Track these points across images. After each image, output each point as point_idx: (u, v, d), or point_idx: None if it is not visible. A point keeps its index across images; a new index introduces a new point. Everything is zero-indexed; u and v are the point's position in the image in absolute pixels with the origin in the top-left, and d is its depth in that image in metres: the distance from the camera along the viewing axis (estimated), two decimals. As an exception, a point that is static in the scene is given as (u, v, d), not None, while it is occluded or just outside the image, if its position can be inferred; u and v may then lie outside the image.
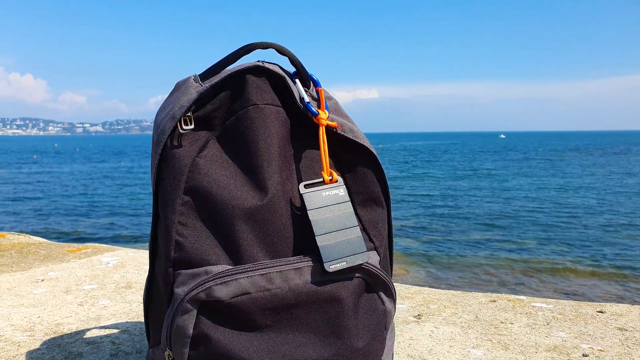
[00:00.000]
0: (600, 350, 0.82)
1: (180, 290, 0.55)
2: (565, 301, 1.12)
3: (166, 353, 0.55)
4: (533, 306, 1.07)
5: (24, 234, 1.93)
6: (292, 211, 0.60)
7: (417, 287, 1.29)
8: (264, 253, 0.58)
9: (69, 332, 0.88)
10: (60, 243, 1.79)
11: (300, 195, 0.60)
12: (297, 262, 0.58)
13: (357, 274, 0.60)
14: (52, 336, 0.85)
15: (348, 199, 0.62)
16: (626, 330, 0.92)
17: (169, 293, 0.57)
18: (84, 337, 0.85)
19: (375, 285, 0.63)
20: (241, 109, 0.59)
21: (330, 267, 0.58)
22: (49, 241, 1.82)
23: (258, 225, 0.58)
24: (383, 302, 0.64)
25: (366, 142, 0.66)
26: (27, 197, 13.14)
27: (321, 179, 0.62)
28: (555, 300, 1.14)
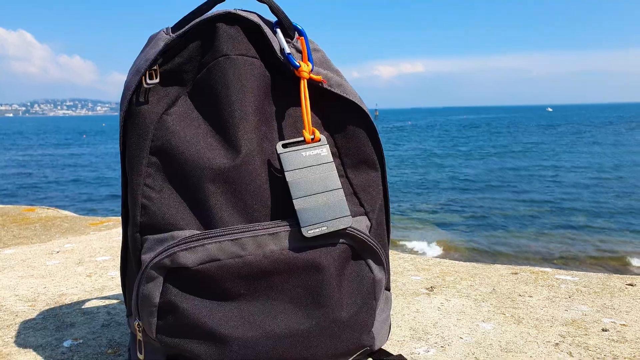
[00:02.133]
0: (623, 324, 0.75)
1: (146, 257, 0.52)
2: (593, 273, 1.04)
3: (136, 323, 0.53)
4: (557, 278, 0.99)
5: (53, 208, 1.97)
6: (270, 173, 0.56)
7: (436, 259, 1.23)
8: (238, 218, 0.54)
9: (70, 302, 0.87)
10: (85, 216, 1.81)
11: (278, 156, 0.55)
12: (273, 227, 0.53)
13: (341, 240, 0.56)
14: (52, 306, 0.85)
15: (331, 159, 0.57)
16: (658, 305, 0.84)
17: (138, 260, 0.54)
18: (83, 307, 0.84)
19: (363, 252, 0.58)
20: (212, 60, 0.55)
21: (309, 231, 0.53)
22: (74, 214, 1.85)
23: (230, 187, 0.53)
24: (371, 270, 0.59)
25: (357, 99, 0.61)
26: (75, 178, 13.66)
27: (302, 138, 0.57)
28: (582, 272, 1.06)
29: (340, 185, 0.56)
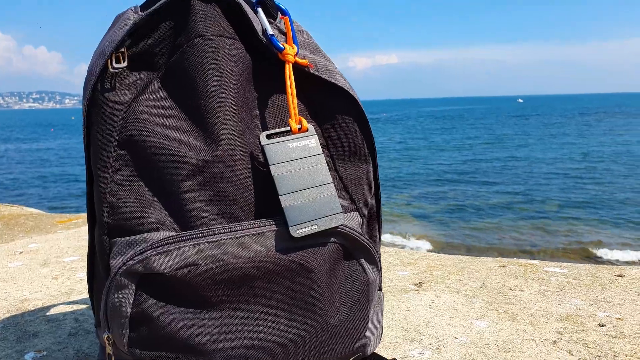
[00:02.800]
0: (619, 318, 0.73)
1: (115, 262, 0.47)
2: (581, 265, 1.02)
3: (105, 335, 0.47)
4: (546, 271, 0.97)
5: (17, 205, 1.88)
6: (253, 166, 0.51)
7: (422, 252, 1.20)
8: (218, 217, 0.48)
9: (33, 308, 0.81)
10: (52, 214, 1.72)
11: (262, 147, 0.50)
12: (257, 227, 0.48)
13: (332, 239, 0.51)
14: (13, 314, 0.78)
15: (320, 151, 0.52)
16: (650, 296, 0.82)
17: (106, 265, 0.48)
18: (47, 314, 0.78)
19: (355, 251, 0.54)
20: (186, 42, 0.49)
21: (297, 231, 0.48)
22: (40, 212, 1.76)
23: (208, 183, 0.48)
24: (364, 271, 0.54)
25: (346, 85, 0.56)
26: (44, 173, 13.27)
27: (288, 128, 0.52)
28: (570, 264, 1.04)
29: (331, 180, 0.51)
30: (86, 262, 0.54)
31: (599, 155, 13.25)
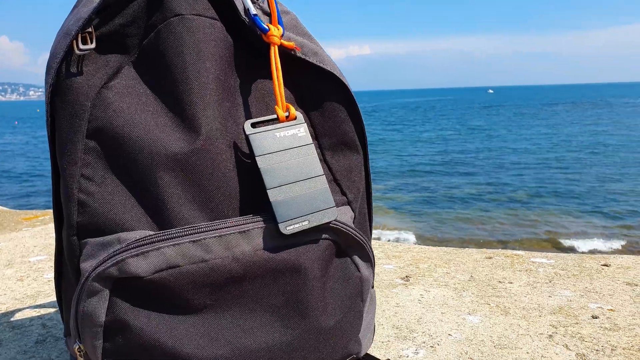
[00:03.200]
0: (611, 310, 0.72)
1: (86, 265, 0.42)
2: (567, 255, 1.01)
3: (76, 347, 0.43)
4: (533, 262, 0.95)
5: (-20, 203, 1.78)
6: (237, 158, 0.46)
7: (405, 244, 1.18)
8: (200, 214, 0.44)
9: (-3, 313, 0.75)
10: (17, 210, 1.64)
11: (246, 137, 0.46)
12: (244, 224, 0.44)
13: (324, 235, 0.47)
14: (-25, 319, 0.72)
15: (310, 140, 0.48)
16: (636, 286, 0.81)
17: (76, 269, 0.44)
18: (12, 319, 0.72)
19: (348, 248, 0.50)
20: (162, 21, 0.44)
21: (287, 228, 0.44)
22: (4, 208, 1.68)
23: (189, 176, 0.44)
24: (358, 268, 0.51)
25: (335, 70, 0.52)
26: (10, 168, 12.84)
27: (274, 116, 0.48)
28: (554, 254, 1.03)
29: (322, 172, 0.48)
30: (54, 264, 0.49)
31: (568, 145, 13.56)
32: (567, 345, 0.60)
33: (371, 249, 0.53)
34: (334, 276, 0.49)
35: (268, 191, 0.45)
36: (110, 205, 0.43)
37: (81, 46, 0.42)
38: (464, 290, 0.80)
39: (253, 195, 0.46)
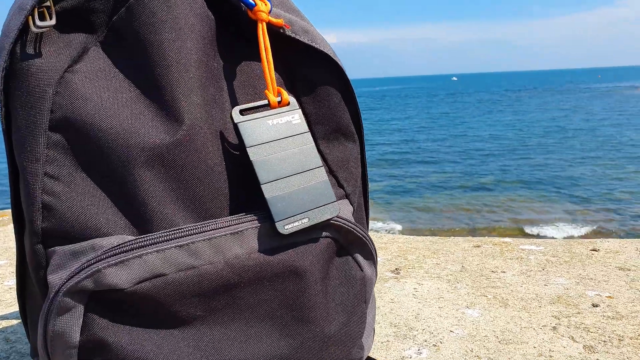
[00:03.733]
0: (609, 297, 0.70)
1: (55, 278, 0.36)
2: (555, 241, 1.00)
3: (45, 371, 0.37)
4: (522, 249, 0.94)
5: None
6: (225, 150, 0.41)
7: (390, 235, 1.15)
8: (186, 213, 0.39)
9: (-48, 328, 0.67)
10: (-27, 213, 1.53)
11: (235, 126, 0.41)
12: (235, 224, 0.39)
13: (324, 233, 0.43)
14: None
15: (307, 128, 0.43)
16: (629, 270, 0.80)
17: (42, 282, 0.38)
18: (-30, 334, 0.65)
19: (350, 246, 0.46)
20: None
21: (285, 227, 0.40)
22: (-41, 212, 1.56)
23: (171, 172, 0.38)
24: (361, 267, 0.47)
25: (328, 49, 0.47)
26: (-39, 165, 12.26)
27: (265, 101, 0.43)
28: (542, 240, 1.02)
29: (321, 163, 0.43)
30: (15, 273, 0.43)
31: (531, 130, 13.88)
32: (572, 337, 0.58)
33: (373, 245, 0.48)
34: (335, 277, 0.45)
35: (262, 186, 0.40)
36: (81, 208, 0.37)
37: (38, 22, 0.36)
38: (457, 282, 0.77)
39: (244, 191, 0.41)
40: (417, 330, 0.61)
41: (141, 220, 0.38)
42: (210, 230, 0.38)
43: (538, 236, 5.16)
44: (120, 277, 0.35)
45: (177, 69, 0.39)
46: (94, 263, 0.35)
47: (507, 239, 1.01)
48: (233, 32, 0.44)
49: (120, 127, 0.37)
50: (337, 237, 0.44)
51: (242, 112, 0.41)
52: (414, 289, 0.75)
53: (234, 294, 0.39)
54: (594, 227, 5.38)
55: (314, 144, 0.43)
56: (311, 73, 0.47)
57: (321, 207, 0.41)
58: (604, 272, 0.80)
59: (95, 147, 0.37)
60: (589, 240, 0.99)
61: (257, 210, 0.40)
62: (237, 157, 0.42)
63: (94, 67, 0.39)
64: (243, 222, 0.39)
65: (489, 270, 0.82)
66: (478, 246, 0.97)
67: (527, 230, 5.38)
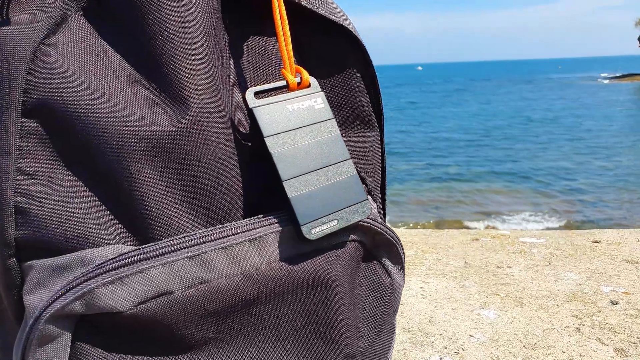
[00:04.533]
0: (625, 292, 0.67)
1: (34, 300, 0.29)
2: (554, 232, 0.97)
3: (23, 414, 0.30)
4: (523, 242, 0.90)
5: None
6: (237, 141, 0.35)
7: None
8: (194, 216, 0.32)
9: None
10: None
11: (250, 111, 0.34)
12: (254, 228, 0.33)
13: (351, 236, 0.37)
14: None
15: (331, 114, 0.37)
16: (637, 263, 0.78)
17: (16, 304, 0.31)
18: None
19: (377, 249, 0.40)
20: None
21: (312, 231, 0.33)
22: None
23: (176, 167, 0.32)
24: (389, 274, 0.41)
25: (349, 23, 0.41)
26: None
27: (282, 82, 0.36)
28: (540, 232, 0.99)
29: (348, 154, 0.37)
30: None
31: (496, 120, 14.15)
32: (600, 339, 0.54)
33: (402, 246, 0.43)
34: (363, 286, 0.39)
35: (284, 183, 0.33)
36: (65, 211, 0.30)
37: (7, -20, 0.28)
38: (464, 279, 0.73)
39: (260, 189, 0.35)
40: (434, 336, 0.56)
41: (140, 226, 0.31)
42: (225, 236, 0.32)
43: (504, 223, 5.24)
44: (118, 297, 0.28)
45: (182, 41, 0.32)
46: (84, 281, 0.28)
47: (504, 231, 0.98)
48: (243, 4, 0.37)
49: (112, 112, 0.30)
50: (364, 240, 0.38)
51: (257, 94, 0.35)
52: (421, 288, 0.70)
53: (251, 311, 0.33)
54: (560, 216, 5.51)
55: (339, 132, 0.37)
56: (328, 50, 0.41)
57: (351, 207, 0.35)
58: (612, 265, 0.77)
59: (81, 137, 0.30)
60: (589, 231, 0.97)
61: (277, 212, 0.34)
62: (250, 149, 0.35)
63: (76, 38, 0.31)
64: (262, 226, 0.33)
65: (494, 265, 0.79)
66: (477, 239, 0.93)
67: (494, 220, 5.46)
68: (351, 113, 0.42)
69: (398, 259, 0.40)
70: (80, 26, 0.32)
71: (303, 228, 0.32)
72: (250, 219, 0.32)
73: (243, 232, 0.32)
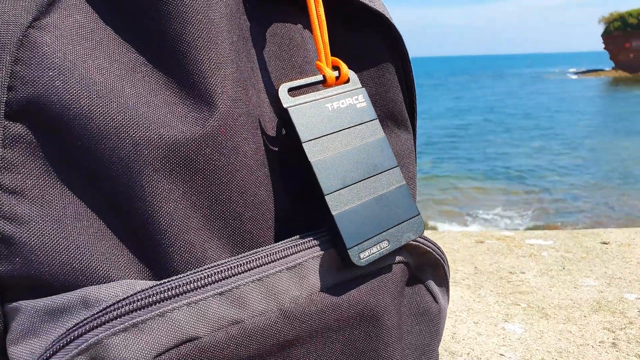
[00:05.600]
0: (649, 299, 0.64)
1: (22, 352, 0.23)
2: (559, 232, 0.94)
3: None
4: (530, 245, 0.87)
5: None
6: (266, 146, 0.29)
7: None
8: (219, 241, 0.26)
9: None
10: None
11: (283, 111, 0.28)
12: (292, 253, 0.27)
13: (397, 257, 0.32)
14: None
15: (374, 114, 0.32)
16: (650, 266, 0.75)
17: (-2, 359, 0.25)
18: None
19: (422, 270, 0.35)
20: None
21: (362, 255, 0.28)
22: None
23: (199, 181, 0.26)
24: (435, 298, 0.36)
25: (384, 9, 0.36)
26: None
27: (318, 77, 0.30)
28: (544, 232, 0.96)
29: (396, 161, 0.31)
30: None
31: (469, 116, 14.30)
32: (639, 355, 0.50)
33: (448, 265, 0.38)
34: (408, 314, 0.34)
35: (327, 198, 0.28)
36: (61, 238, 0.24)
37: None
38: (479, 288, 0.69)
39: (292, 204, 0.29)
40: (460, 356, 0.51)
41: (157, 254, 0.25)
42: (260, 265, 0.26)
43: (478, 218, 5.27)
44: (133, 348, 0.22)
45: (205, 25, 0.26)
46: (89, 330, 0.22)
47: (508, 233, 0.94)
48: None
49: (120, 113, 0.24)
50: (410, 261, 0.33)
51: (292, 90, 0.29)
52: (436, 298, 0.66)
53: (290, 353, 0.27)
54: (534, 212, 5.58)
55: (384, 135, 0.32)
56: (361, 39, 0.35)
57: (402, 224, 0.30)
58: (629, 269, 0.74)
59: (81, 145, 0.24)
60: (593, 231, 0.94)
61: (315, 232, 0.28)
62: (279, 154, 0.29)
63: (73, 21, 0.25)
64: (300, 251, 0.27)
65: (506, 271, 0.75)
66: (481, 242, 0.89)
67: (468, 218, 5.49)
68: (384, 111, 0.36)
69: (443, 280, 0.35)
70: (78, 6, 0.25)
71: (351, 252, 0.26)
72: (286, 242, 0.27)
73: (279, 259, 0.26)
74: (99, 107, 0.24)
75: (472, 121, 13.04)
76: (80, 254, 0.24)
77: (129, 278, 0.24)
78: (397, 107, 0.37)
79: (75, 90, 0.23)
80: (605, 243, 0.86)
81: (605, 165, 7.39)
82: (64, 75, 0.23)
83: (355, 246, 0.27)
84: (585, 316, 0.59)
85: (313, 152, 0.28)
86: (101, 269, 0.24)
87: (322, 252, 0.28)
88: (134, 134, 0.24)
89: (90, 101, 0.24)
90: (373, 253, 0.28)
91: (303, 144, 0.28)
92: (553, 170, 7.26)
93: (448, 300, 0.38)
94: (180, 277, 0.24)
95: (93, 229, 0.24)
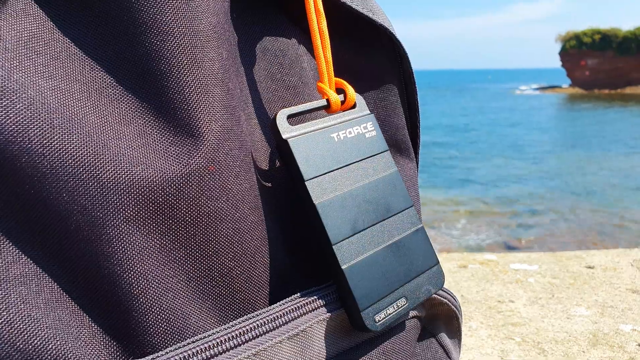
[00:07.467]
0: (645, 330, 0.61)
1: None
2: (543, 255, 0.92)
3: None
4: (515, 270, 0.84)
5: None
6: (260, 184, 0.24)
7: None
8: (205, 306, 0.21)
9: None
10: None
11: (282, 143, 0.23)
12: (294, 318, 0.22)
13: (411, 312, 0.27)
14: None
15: (385, 145, 0.27)
16: (640, 292, 0.73)
17: None
18: None
19: (434, 322, 0.30)
20: None
21: (377, 318, 0.23)
22: None
23: (181, 231, 0.20)
24: (448, 353, 0.31)
25: (389, 25, 0.31)
26: None
27: (322, 102, 0.26)
28: (526, 254, 0.94)
29: (411, 200, 0.27)
30: None
31: (435, 130, 14.57)
32: (646, 397, 0.47)
33: (461, 313, 0.34)
34: (420, 374, 0.29)
35: (335, 248, 0.23)
36: (7, 323, 0.18)
37: None
38: (469, 319, 0.65)
39: (297, 257, 0.24)
40: (460, 401, 0.47)
41: (127, 325, 0.19)
42: (256, 337, 0.21)
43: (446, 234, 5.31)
44: None
45: (189, 39, 0.21)
46: None
47: (490, 256, 0.92)
48: None
49: (81, 148, 0.19)
50: (422, 314, 0.29)
51: (291, 117, 0.24)
52: (425, 332, 0.62)
53: None
54: (497, 227, 5.64)
55: (396, 169, 0.27)
56: (365, 57, 0.31)
57: (421, 276, 0.25)
58: (619, 297, 0.72)
59: (29, 188, 0.18)
60: (575, 253, 0.93)
61: (321, 291, 0.24)
62: (276, 195, 0.25)
63: (21, 30, 0.19)
64: (303, 314, 0.22)
65: (494, 299, 0.71)
66: (464, 266, 0.86)
67: (429, 231, 5.47)
68: (386, 139, 0.32)
69: (456, 332, 0.31)
70: (28, 12, 0.20)
71: (364, 315, 0.22)
72: (286, 303, 0.22)
73: (279, 326, 0.21)
74: (53, 141, 0.18)
75: (437, 135, 13.27)
76: (33, 339, 0.18)
77: (92, 357, 0.19)
78: (400, 133, 0.33)
79: (21, 118, 0.18)
80: (590, 267, 0.84)
81: (568, 178, 7.60)
82: (7, 99, 0.18)
83: (369, 307, 0.23)
84: (584, 351, 0.56)
85: (318, 193, 0.23)
86: (54, 346, 0.18)
87: (328, 314, 0.23)
88: (99, 174, 0.19)
89: (42, 132, 0.18)
90: (390, 314, 0.23)
91: (306, 183, 0.23)
92: (515, 184, 7.41)
93: (460, 352, 0.34)
94: (157, 356, 0.19)
95: (50, 305, 0.18)
